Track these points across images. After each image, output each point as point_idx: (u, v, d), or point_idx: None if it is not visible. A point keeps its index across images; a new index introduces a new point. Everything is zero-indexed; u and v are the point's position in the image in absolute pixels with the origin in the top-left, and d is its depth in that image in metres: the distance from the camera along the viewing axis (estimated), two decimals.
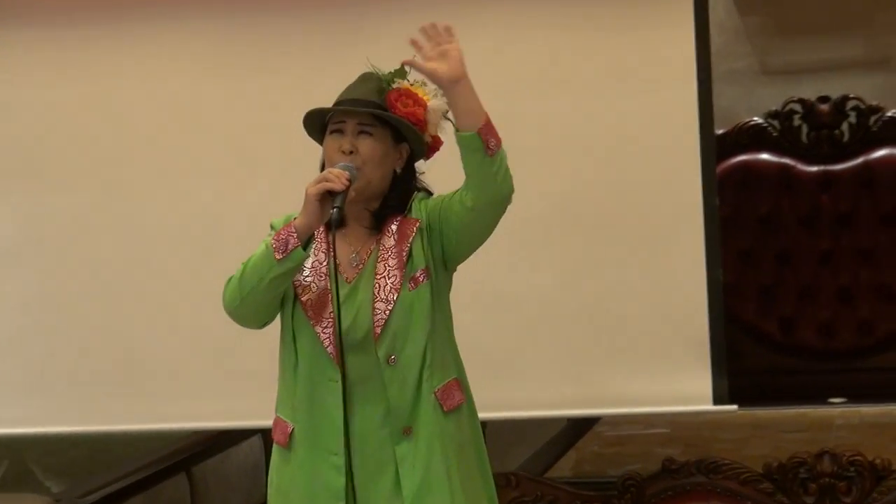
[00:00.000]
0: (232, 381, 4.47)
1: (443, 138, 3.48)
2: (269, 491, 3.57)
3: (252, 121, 4.98)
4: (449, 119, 3.42)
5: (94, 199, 5.05)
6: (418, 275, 3.44)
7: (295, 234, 3.31)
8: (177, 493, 5.65)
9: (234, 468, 6.03)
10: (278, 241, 3.32)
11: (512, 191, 3.38)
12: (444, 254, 3.48)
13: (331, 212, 3.31)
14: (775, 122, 6.25)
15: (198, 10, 5.01)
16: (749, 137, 6.26)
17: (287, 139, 4.46)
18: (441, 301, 3.50)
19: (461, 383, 3.52)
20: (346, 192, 3.31)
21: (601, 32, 4.81)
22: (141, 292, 5.00)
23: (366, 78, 3.52)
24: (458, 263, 3.53)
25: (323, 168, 3.47)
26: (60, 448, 5.66)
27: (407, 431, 3.41)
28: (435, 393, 3.44)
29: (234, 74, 5.02)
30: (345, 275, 3.42)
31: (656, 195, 4.79)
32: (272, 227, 3.49)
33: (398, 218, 3.46)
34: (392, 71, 3.46)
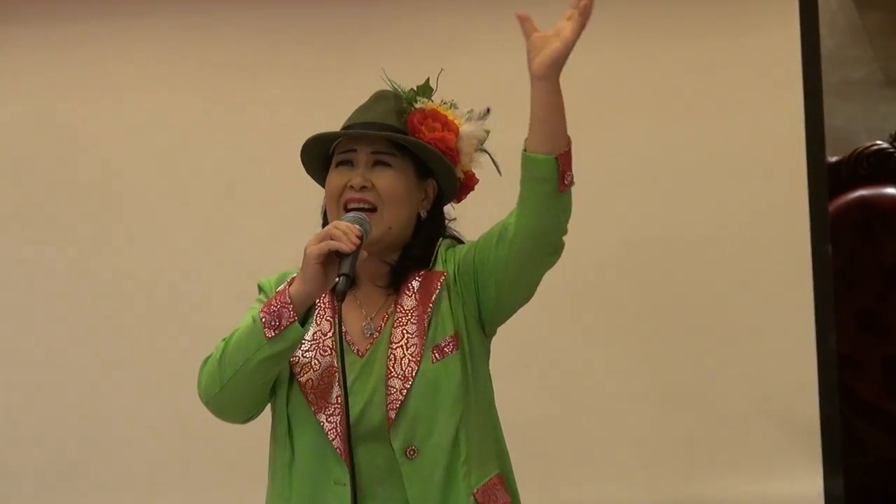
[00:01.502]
0: (211, 481, 4.56)
1: (479, 175, 3.44)
2: None
3: (237, 154, 5.14)
4: (485, 151, 3.41)
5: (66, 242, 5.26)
6: (445, 343, 3.35)
7: (290, 306, 3.21)
8: None
9: None
10: (269, 313, 3.22)
11: (565, 227, 3.30)
12: (482, 311, 3.39)
13: (336, 280, 3.20)
14: None
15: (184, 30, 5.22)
16: (871, 166, 6.16)
17: (280, 174, 4.69)
18: (477, 375, 3.41)
19: (505, 480, 3.45)
20: (356, 252, 3.21)
21: (680, 41, 4.96)
22: (115, 367, 5.16)
23: (381, 97, 3.48)
24: (499, 324, 3.44)
25: (325, 216, 3.46)
26: None
27: None
28: (474, 495, 3.34)
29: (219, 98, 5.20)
30: (355, 347, 3.36)
31: (752, 241, 4.88)
32: (261, 290, 3.47)
33: (421, 272, 3.40)
34: (415, 87, 3.43)
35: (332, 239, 3.17)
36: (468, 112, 3.40)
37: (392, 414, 3.29)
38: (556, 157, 3.15)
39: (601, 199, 4.72)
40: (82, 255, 5.27)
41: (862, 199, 6.10)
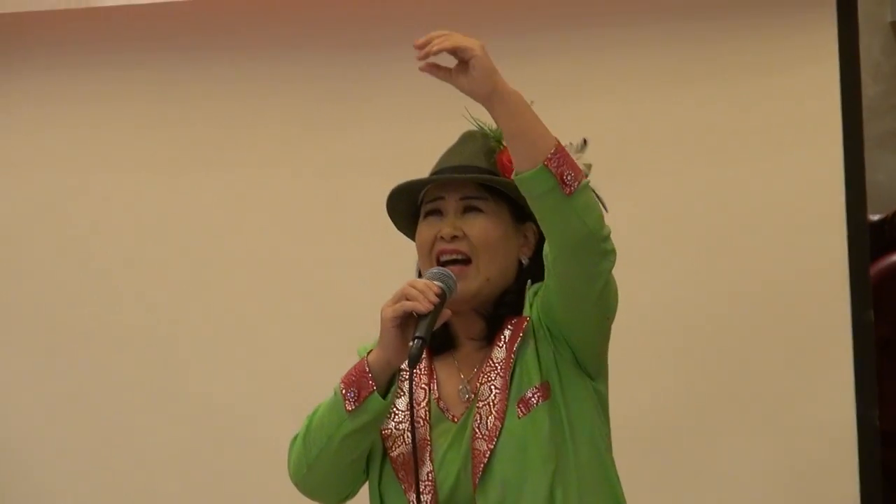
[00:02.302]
0: None
1: None
2: None
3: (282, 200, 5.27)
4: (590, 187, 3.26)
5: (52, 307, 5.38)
6: (531, 395, 3.24)
7: (369, 376, 3.15)
8: None
9: None
10: (348, 384, 3.18)
11: (600, 226, 3.15)
12: (575, 350, 3.29)
13: (409, 344, 3.11)
14: None
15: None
16: None
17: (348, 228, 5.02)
18: (578, 424, 3.29)
19: None
20: (435, 312, 3.12)
21: (716, 96, 4.89)
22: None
23: (469, 137, 3.42)
24: (596, 357, 3.32)
25: (420, 274, 3.36)
26: None
27: None
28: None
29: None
30: (450, 413, 3.28)
31: (788, 308, 4.81)
32: (359, 355, 3.38)
33: (513, 321, 3.29)
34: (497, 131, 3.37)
35: (407, 299, 3.11)
36: (567, 145, 3.19)
37: (476, 479, 3.21)
38: (543, 164, 3.06)
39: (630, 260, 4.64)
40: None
41: None
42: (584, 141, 3.36)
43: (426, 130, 4.66)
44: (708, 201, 4.84)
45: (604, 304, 3.23)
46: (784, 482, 4.83)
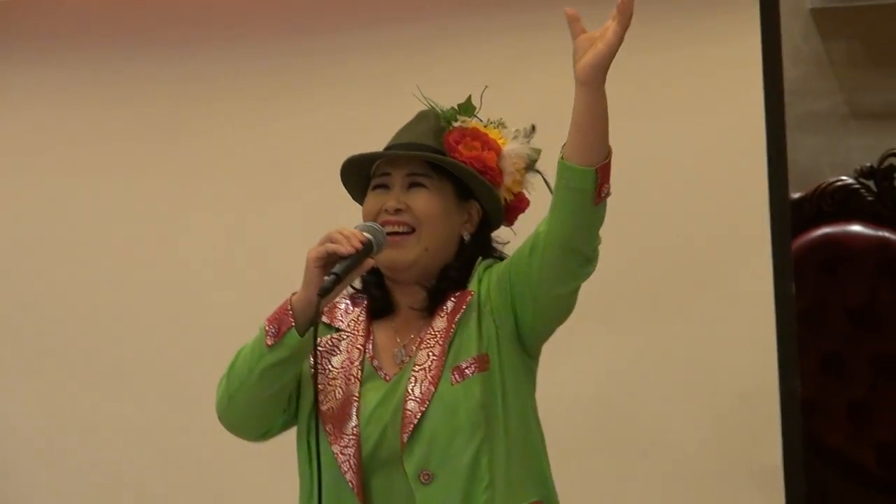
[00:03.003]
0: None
1: (529, 196, 3.46)
2: None
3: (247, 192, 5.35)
4: (538, 171, 3.40)
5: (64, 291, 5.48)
6: (466, 364, 3.33)
7: (290, 312, 3.24)
8: None
9: None
10: (271, 321, 3.26)
11: (598, 237, 3.29)
12: (520, 328, 3.37)
13: (325, 278, 3.21)
14: (870, 183, 6.19)
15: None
16: (835, 203, 6.18)
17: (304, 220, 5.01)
18: (511, 397, 3.38)
19: None
20: (355, 257, 3.22)
21: (644, 76, 4.90)
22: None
23: (422, 116, 3.51)
24: (540, 341, 3.42)
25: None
26: None
27: None
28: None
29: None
30: (383, 372, 3.36)
31: (712, 281, 4.95)
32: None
33: (457, 294, 3.39)
34: (455, 106, 3.45)
35: (331, 241, 3.22)
36: (515, 131, 3.40)
37: (405, 437, 3.28)
38: (596, 170, 3.18)
39: None
40: None
41: (826, 237, 6.15)
42: (533, 127, 3.46)
43: (374, 113, 4.78)
44: (632, 179, 4.59)
45: (569, 302, 3.37)
46: (712, 449, 4.92)
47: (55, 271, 5.59)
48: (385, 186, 3.39)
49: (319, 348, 3.34)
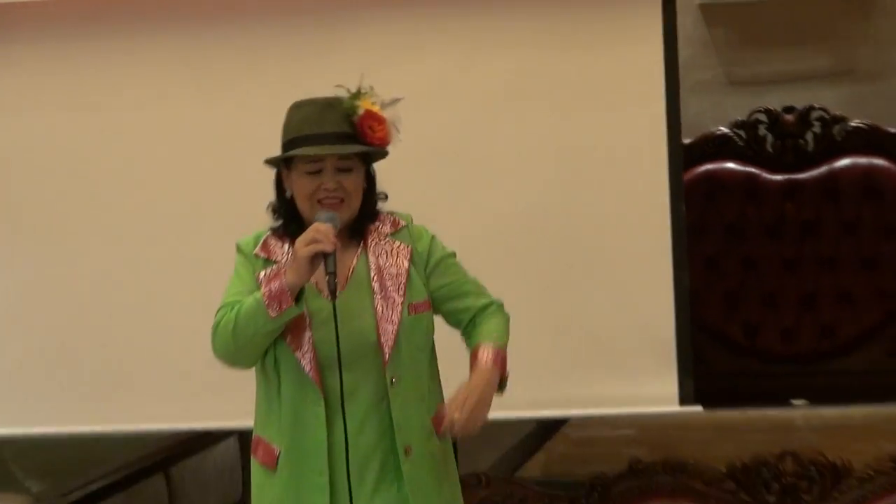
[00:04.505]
0: (208, 384, 4.40)
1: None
2: None
3: (228, 133, 4.92)
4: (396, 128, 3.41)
5: (75, 205, 5.00)
6: (419, 303, 3.42)
7: (288, 294, 3.22)
8: (155, 492, 5.68)
9: (210, 469, 6.03)
10: (270, 297, 3.24)
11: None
12: (431, 300, 3.47)
13: (326, 279, 3.23)
14: (741, 132, 6.26)
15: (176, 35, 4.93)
16: (715, 147, 6.26)
17: (260, 149, 4.52)
18: (432, 331, 3.50)
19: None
20: (335, 251, 3.23)
21: (572, 49, 4.80)
22: (121, 298, 4.94)
23: (327, 106, 3.42)
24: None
25: (284, 203, 3.46)
26: (40, 448, 5.63)
27: (408, 451, 3.37)
28: (432, 419, 3.42)
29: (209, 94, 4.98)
30: (324, 294, 3.33)
31: (625, 204, 4.79)
32: (239, 248, 3.49)
33: (381, 231, 3.46)
34: (354, 94, 3.41)
35: (316, 242, 3.19)
36: (381, 99, 3.39)
37: (388, 351, 3.34)
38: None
39: (514, 173, 4.71)
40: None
41: (708, 171, 6.23)
42: (398, 100, 3.41)
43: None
44: (574, 134, 4.81)
45: None
46: (625, 327, 4.84)
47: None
48: (318, 171, 3.33)
49: (261, 282, 3.34)
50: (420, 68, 4.67)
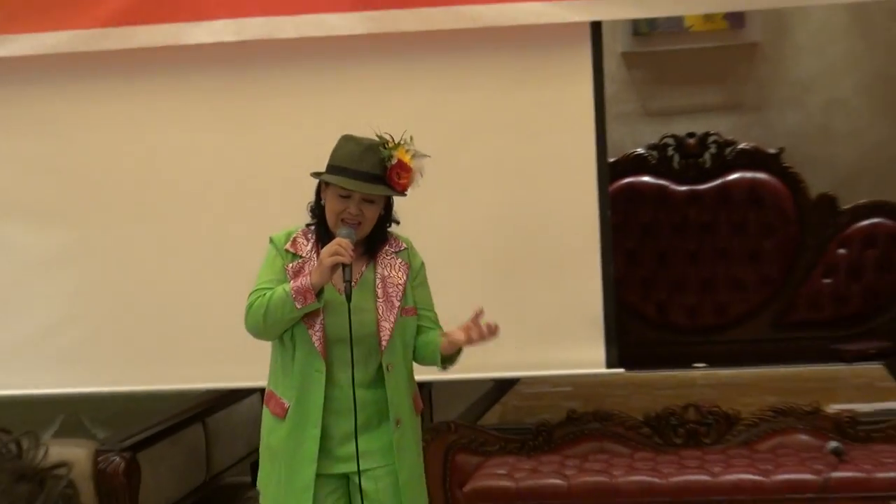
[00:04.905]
0: (236, 353, 4.26)
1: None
2: (261, 447, 3.56)
3: (251, 156, 4.87)
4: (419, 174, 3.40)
5: (139, 212, 4.93)
6: (407, 310, 3.45)
7: (312, 292, 3.25)
8: (195, 438, 5.66)
9: (238, 419, 6.01)
10: (297, 292, 3.26)
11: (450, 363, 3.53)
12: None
13: (344, 285, 3.27)
14: (654, 153, 6.27)
15: (202, 71, 4.85)
16: (633, 165, 6.26)
17: (281, 170, 4.58)
18: (415, 334, 3.51)
19: (417, 394, 3.59)
20: (352, 263, 3.26)
21: (521, 87, 4.74)
22: (169, 288, 4.92)
23: (369, 148, 3.36)
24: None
25: (319, 207, 3.43)
26: (104, 404, 5.65)
27: (398, 422, 3.42)
28: (413, 398, 3.50)
29: (232, 124, 4.90)
30: (338, 288, 3.34)
31: (564, 210, 4.74)
32: (272, 242, 3.48)
33: (388, 250, 3.45)
34: (394, 145, 3.36)
35: (338, 255, 3.21)
36: (413, 148, 3.36)
37: (385, 342, 3.38)
38: (455, 358, 3.46)
39: (477, 186, 4.67)
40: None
41: (628, 184, 6.28)
42: (411, 138, 3.39)
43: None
44: (518, 154, 4.74)
45: None
46: (564, 307, 4.72)
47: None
48: (348, 196, 3.32)
49: (289, 273, 3.38)
50: (401, 104, 4.60)
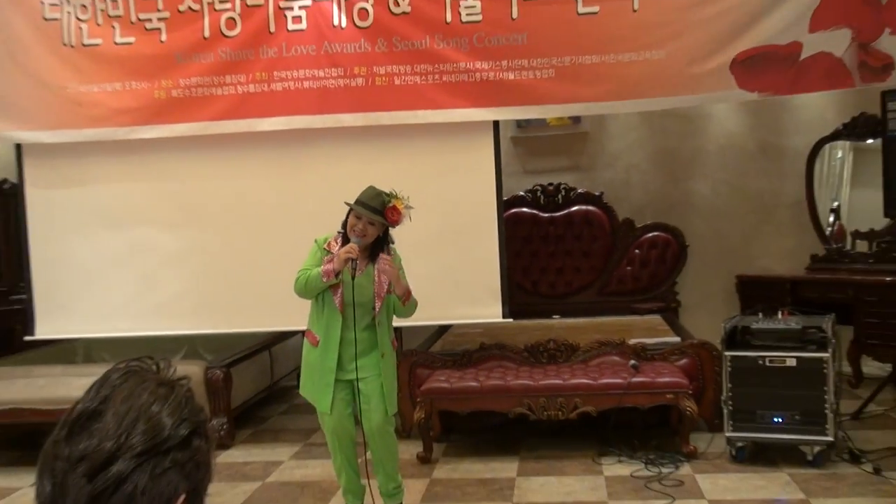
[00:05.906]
0: (289, 307, 3.92)
1: (403, 218, 3.24)
2: (302, 364, 3.40)
3: (295, 194, 4.66)
4: (409, 216, 3.19)
5: (226, 225, 4.73)
6: (390, 290, 3.29)
7: (333, 273, 3.14)
8: (264, 360, 5.60)
9: (290, 349, 5.92)
10: (325, 273, 3.12)
11: (413, 310, 3.26)
12: None
13: (352, 272, 3.15)
14: (529, 194, 6.10)
15: (256, 143, 4.61)
16: (518, 201, 6.10)
17: (312, 203, 4.47)
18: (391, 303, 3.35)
19: (393, 340, 3.42)
20: (357, 258, 3.16)
21: (451, 155, 4.55)
22: (250, 268, 4.70)
23: (377, 195, 3.19)
24: None
25: (345, 228, 3.26)
26: (210, 339, 5.53)
27: (384, 355, 3.30)
28: (391, 339, 3.34)
29: (279, 176, 4.68)
30: (351, 272, 3.22)
31: (479, 226, 4.60)
32: (316, 242, 3.33)
33: (384, 256, 3.24)
34: (393, 195, 3.19)
35: (350, 252, 3.11)
36: (407, 198, 3.17)
37: (377, 308, 3.24)
38: (409, 300, 3.22)
39: (425, 213, 4.23)
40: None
41: (515, 213, 6.14)
42: (407, 197, 3.18)
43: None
44: (442, 201, 4.47)
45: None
46: (476, 282, 4.48)
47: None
48: (359, 218, 3.17)
49: (324, 262, 3.17)
50: (380, 166, 4.43)
